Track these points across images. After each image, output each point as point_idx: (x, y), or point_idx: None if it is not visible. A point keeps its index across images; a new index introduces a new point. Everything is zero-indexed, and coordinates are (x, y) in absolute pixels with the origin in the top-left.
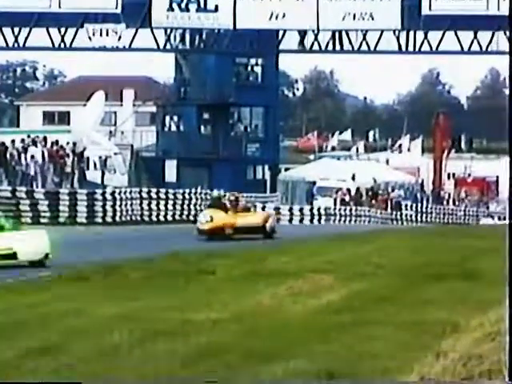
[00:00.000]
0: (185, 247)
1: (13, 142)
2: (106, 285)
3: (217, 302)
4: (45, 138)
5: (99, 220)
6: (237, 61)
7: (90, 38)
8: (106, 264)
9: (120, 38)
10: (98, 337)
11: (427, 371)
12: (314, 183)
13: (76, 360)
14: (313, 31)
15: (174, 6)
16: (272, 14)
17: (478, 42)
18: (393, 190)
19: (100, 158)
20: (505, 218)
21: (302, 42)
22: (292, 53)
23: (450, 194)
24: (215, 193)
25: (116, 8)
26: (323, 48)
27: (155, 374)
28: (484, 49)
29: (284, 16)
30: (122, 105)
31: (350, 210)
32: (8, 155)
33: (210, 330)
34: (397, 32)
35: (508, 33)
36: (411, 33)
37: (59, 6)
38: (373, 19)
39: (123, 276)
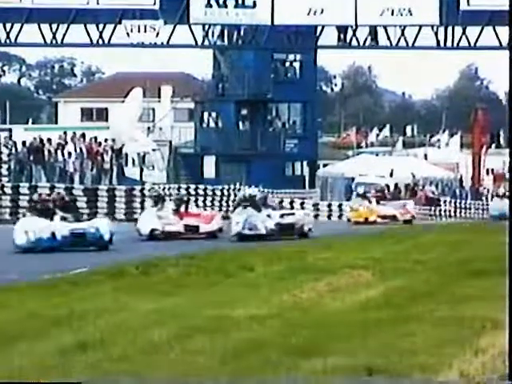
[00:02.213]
0: (224, 244)
1: (49, 139)
2: (145, 281)
3: (256, 298)
4: (83, 135)
5: (138, 216)
6: (275, 57)
7: (128, 35)
8: (144, 260)
9: (158, 34)
10: (136, 333)
11: (466, 368)
12: (353, 179)
13: (114, 356)
14: (351, 27)
15: (212, 2)
16: (310, 10)
17: None
18: (430, 186)
19: (138, 154)
20: None
21: (340, 38)
22: (330, 48)
23: (488, 190)
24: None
25: (154, 4)
26: (361, 44)
27: (194, 370)
28: None
29: (322, 12)
30: (160, 101)
31: None
32: (46, 152)
33: (249, 326)
34: (435, 27)
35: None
36: (449, 28)
37: (97, 3)
38: (411, 15)
39: (162, 272)
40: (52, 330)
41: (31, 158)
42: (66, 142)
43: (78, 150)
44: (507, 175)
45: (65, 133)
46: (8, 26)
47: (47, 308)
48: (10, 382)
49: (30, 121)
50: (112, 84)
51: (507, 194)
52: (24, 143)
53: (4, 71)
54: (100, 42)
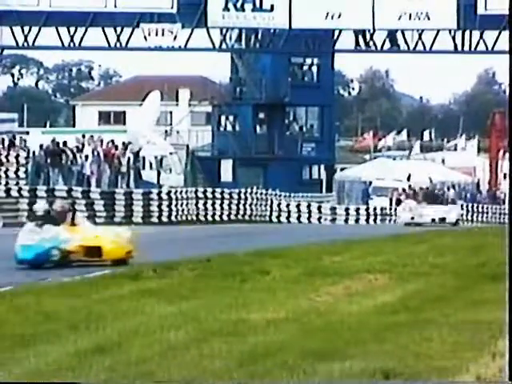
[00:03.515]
0: (240, 247)
1: (66, 142)
2: (163, 284)
3: (272, 302)
4: (100, 138)
5: (155, 220)
6: (292, 60)
7: (145, 38)
8: (162, 263)
9: (176, 37)
10: (153, 336)
11: (483, 372)
12: (370, 183)
13: (132, 359)
14: (368, 31)
15: (230, 5)
16: (328, 14)
17: None
18: (448, 190)
19: (156, 157)
20: None
21: (357, 42)
22: (348, 52)
23: (505, 194)
24: None
25: (172, 8)
26: (379, 48)
27: (212, 373)
28: None
29: (340, 16)
30: (177, 104)
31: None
32: (63, 155)
33: (265, 329)
34: (452, 31)
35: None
36: (467, 32)
37: (115, 6)
38: (429, 19)
39: (179, 275)
40: (69, 333)
41: (48, 160)
42: (84, 145)
43: (96, 153)
44: None
45: (83, 136)
46: (26, 29)
47: (65, 310)
48: (10, 382)
49: (48, 124)
50: (130, 87)
51: None
52: (41, 146)
53: (22, 74)
54: (118, 45)
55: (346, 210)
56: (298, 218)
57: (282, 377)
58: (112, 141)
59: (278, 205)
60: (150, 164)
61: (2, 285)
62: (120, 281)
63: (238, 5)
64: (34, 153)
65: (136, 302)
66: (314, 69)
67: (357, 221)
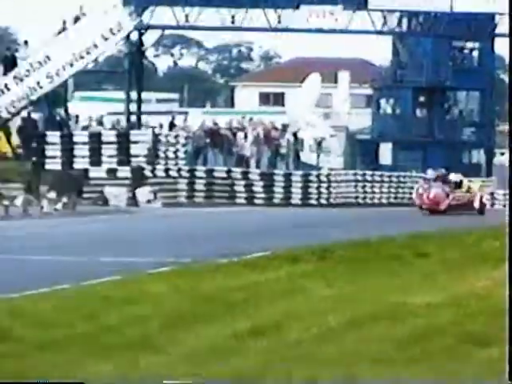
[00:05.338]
0: (398, 230)
1: (224, 124)
2: (321, 266)
3: (432, 286)
4: (260, 120)
5: (313, 202)
6: (453, 44)
7: (306, 20)
8: (320, 246)
9: (337, 19)
10: (311, 319)
11: None
12: None
13: (290, 341)
14: None
15: None
16: None
17: None
18: None
19: (315, 139)
20: None
21: None
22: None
23: None
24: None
25: None
26: None
27: (370, 357)
28: None
29: None
30: (337, 87)
31: None
32: (223, 136)
33: (425, 313)
34: None
35: None
36: None
37: None
38: None
39: (338, 258)
40: (227, 315)
41: (208, 141)
42: (244, 127)
43: (255, 135)
44: None
45: (242, 117)
46: (187, 9)
47: (222, 291)
48: (11, 382)
49: (208, 104)
50: (289, 69)
51: None
52: (201, 127)
53: (182, 54)
54: (278, 26)
55: (505, 195)
56: None
57: (441, 360)
58: (271, 122)
59: None
60: (310, 146)
61: (165, 264)
62: (278, 262)
63: None
64: (193, 133)
65: (293, 284)
66: (475, 53)
67: None
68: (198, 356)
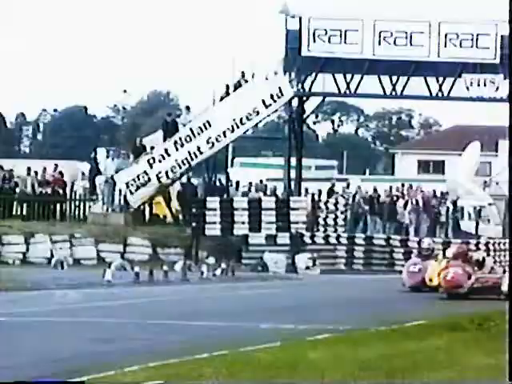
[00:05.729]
0: None
1: (386, 190)
2: (479, 336)
3: None
4: (419, 187)
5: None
6: None
7: (467, 88)
8: (478, 314)
9: (498, 88)
10: None
11: None
12: None
13: None
14: None
15: None
16: None
17: None
18: None
19: (474, 208)
20: None
21: None
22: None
23: None
24: None
25: (494, 59)
26: None
27: None
28: None
29: None
30: (497, 155)
31: None
32: (382, 203)
33: None
34: None
35: None
36: None
37: (438, 56)
38: None
39: (496, 327)
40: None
41: (367, 208)
42: (403, 194)
43: (414, 202)
44: None
45: (402, 185)
46: (348, 76)
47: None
48: (11, 382)
49: (367, 171)
50: (450, 136)
51: None
52: (360, 194)
53: (342, 121)
54: (439, 94)
55: None
56: None
57: None
58: (431, 190)
59: None
60: (469, 214)
61: (320, 331)
62: (437, 331)
63: None
64: (353, 200)
65: (452, 354)
66: None
67: None
68: None
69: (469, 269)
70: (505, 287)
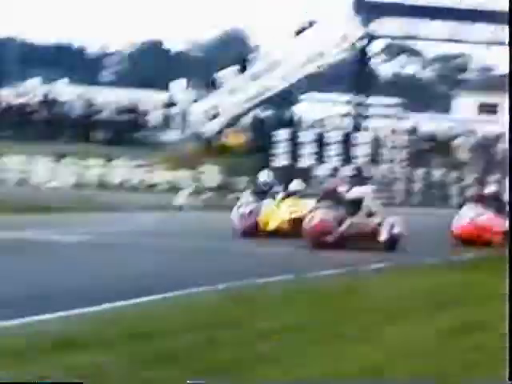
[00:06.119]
0: None
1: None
2: None
3: None
4: None
5: None
6: None
7: None
8: None
9: None
10: None
11: None
12: None
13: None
14: None
15: None
16: None
17: None
18: None
19: None
20: None
21: None
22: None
23: None
24: None
25: None
26: None
27: None
28: None
29: None
30: None
31: None
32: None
33: None
34: None
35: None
36: None
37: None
38: None
39: None
40: (430, 312)
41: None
42: (458, 134)
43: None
44: None
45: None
46: (414, 20)
47: (426, 289)
48: (11, 382)
49: (428, 111)
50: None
51: None
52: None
53: (405, 63)
54: (498, 40)
55: None
56: None
57: None
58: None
59: None
60: None
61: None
62: (484, 264)
63: None
64: (414, 137)
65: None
66: None
67: None
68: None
69: (340, 212)
70: (382, 237)
